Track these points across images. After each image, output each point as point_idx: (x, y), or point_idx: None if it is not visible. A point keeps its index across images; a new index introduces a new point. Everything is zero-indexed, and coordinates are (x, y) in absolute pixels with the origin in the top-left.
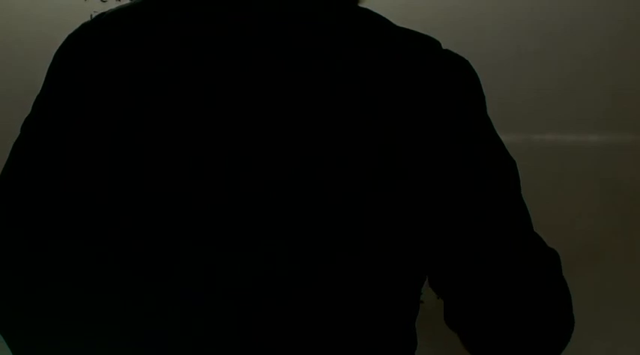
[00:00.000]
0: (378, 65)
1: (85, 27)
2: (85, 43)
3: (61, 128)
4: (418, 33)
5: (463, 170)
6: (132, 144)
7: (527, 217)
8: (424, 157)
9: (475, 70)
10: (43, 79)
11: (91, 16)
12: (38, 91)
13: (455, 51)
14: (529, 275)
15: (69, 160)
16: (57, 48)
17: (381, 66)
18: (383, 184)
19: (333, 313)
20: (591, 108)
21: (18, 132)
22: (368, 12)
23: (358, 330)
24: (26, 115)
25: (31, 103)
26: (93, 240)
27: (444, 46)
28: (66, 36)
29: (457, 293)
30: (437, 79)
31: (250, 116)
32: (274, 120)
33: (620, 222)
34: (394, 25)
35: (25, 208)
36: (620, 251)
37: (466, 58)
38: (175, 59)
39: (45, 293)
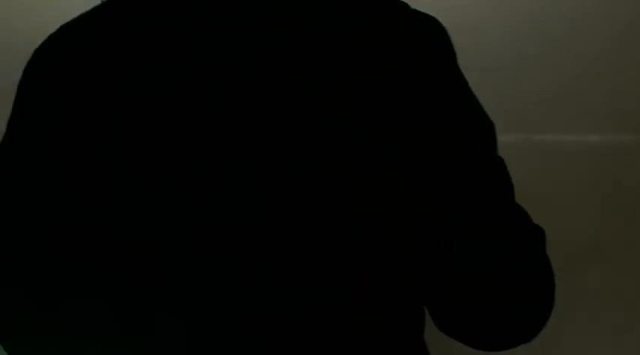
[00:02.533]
0: (369, 57)
1: (51, 39)
2: (54, 55)
3: (47, 131)
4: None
5: (446, 140)
6: (125, 143)
7: (511, 188)
8: (414, 134)
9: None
10: None
11: None
12: None
13: (455, 52)
14: (514, 250)
15: (60, 162)
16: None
17: (371, 56)
18: (384, 174)
19: (335, 320)
20: (591, 109)
21: None
22: None
23: (359, 338)
24: None
25: None
26: (94, 241)
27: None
28: None
29: (437, 265)
30: (415, 49)
31: (249, 115)
32: (271, 119)
33: (620, 222)
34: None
35: (20, 216)
36: (620, 251)
37: (467, 60)
38: (174, 55)
39: (45, 295)
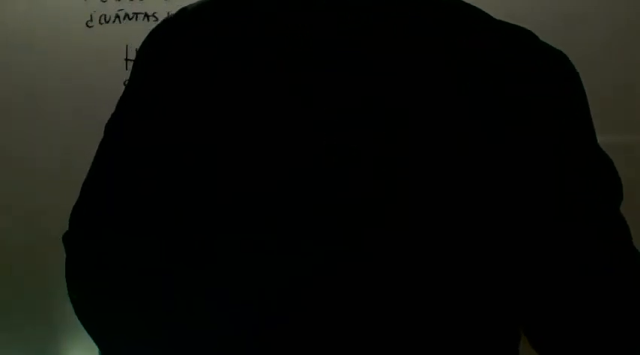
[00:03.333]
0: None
1: (167, 23)
2: (167, 42)
3: (144, 128)
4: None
5: (568, 176)
6: (218, 144)
7: (628, 230)
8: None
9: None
10: (45, 78)
11: (91, 15)
12: (39, 91)
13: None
14: (624, 293)
15: (151, 160)
16: (56, 47)
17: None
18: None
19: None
20: (591, 109)
21: (18, 132)
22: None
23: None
24: (25, 114)
25: (31, 103)
26: (173, 237)
27: None
28: (66, 36)
29: (548, 303)
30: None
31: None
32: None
33: None
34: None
35: (111, 213)
36: None
37: None
38: (271, 57)
39: (129, 290)
